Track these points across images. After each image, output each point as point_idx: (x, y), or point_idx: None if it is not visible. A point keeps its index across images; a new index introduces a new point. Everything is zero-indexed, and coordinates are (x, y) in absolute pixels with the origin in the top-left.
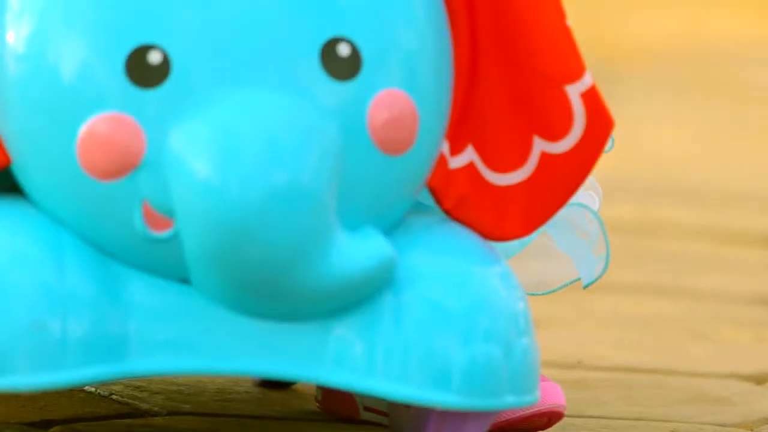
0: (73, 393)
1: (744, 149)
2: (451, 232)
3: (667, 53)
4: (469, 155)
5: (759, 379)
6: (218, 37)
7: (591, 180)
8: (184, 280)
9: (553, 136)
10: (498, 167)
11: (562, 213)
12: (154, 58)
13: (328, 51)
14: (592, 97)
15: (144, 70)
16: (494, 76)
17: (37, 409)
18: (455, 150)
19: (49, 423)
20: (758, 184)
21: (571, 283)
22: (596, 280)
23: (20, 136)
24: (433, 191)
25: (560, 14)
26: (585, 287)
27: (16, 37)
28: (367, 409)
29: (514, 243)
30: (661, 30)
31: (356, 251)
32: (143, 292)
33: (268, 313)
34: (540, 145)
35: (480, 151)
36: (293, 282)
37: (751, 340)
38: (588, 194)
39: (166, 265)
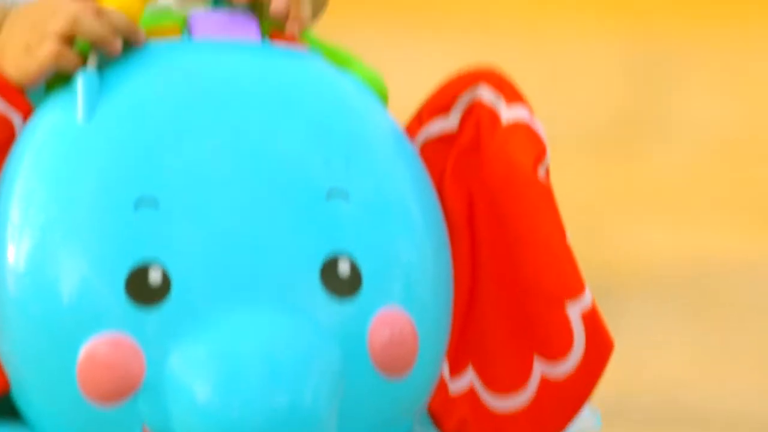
0: None
1: (745, 372)
2: None
3: (667, 274)
4: (469, 377)
5: None
6: (218, 255)
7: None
8: None
9: (553, 355)
10: (498, 388)
11: None
12: (155, 277)
13: (328, 269)
14: (592, 318)
15: (144, 289)
16: (494, 292)
17: None
18: (455, 369)
19: None
20: (760, 407)
21: None
22: None
23: (19, 355)
24: (433, 415)
25: (560, 232)
26: None
27: (16, 253)
28: None
29: None
30: (660, 250)
31: None
32: None
33: None
34: (540, 367)
35: (479, 370)
36: None
37: None
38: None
39: None
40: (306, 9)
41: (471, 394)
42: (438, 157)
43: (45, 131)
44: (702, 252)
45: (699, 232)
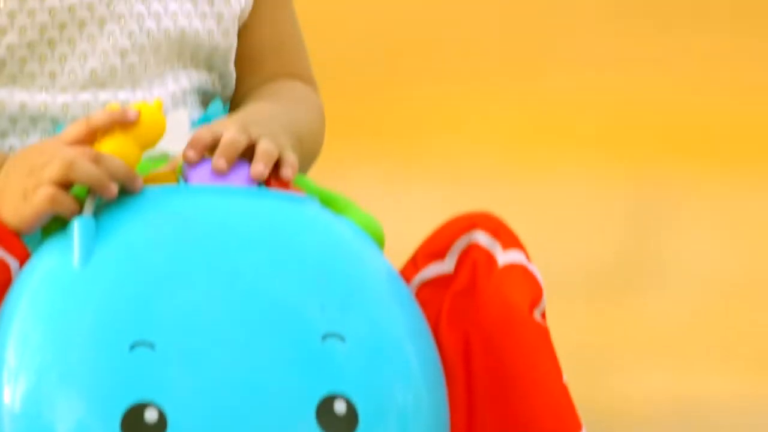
0: None
1: None
2: None
3: (665, 417)
4: None
5: None
6: (214, 395)
7: None
8: None
9: None
10: None
11: None
12: (151, 416)
13: (324, 409)
14: None
15: (140, 429)
16: (490, 431)
17: None
18: None
19: None
20: None
21: None
22: None
23: None
24: None
25: (557, 373)
26: None
27: (12, 396)
28: None
29: None
30: (658, 394)
31: None
32: None
33: None
34: None
35: None
36: None
37: None
38: None
39: None
40: (291, 155)
41: None
42: (434, 299)
43: (41, 275)
44: (700, 395)
45: (697, 376)
